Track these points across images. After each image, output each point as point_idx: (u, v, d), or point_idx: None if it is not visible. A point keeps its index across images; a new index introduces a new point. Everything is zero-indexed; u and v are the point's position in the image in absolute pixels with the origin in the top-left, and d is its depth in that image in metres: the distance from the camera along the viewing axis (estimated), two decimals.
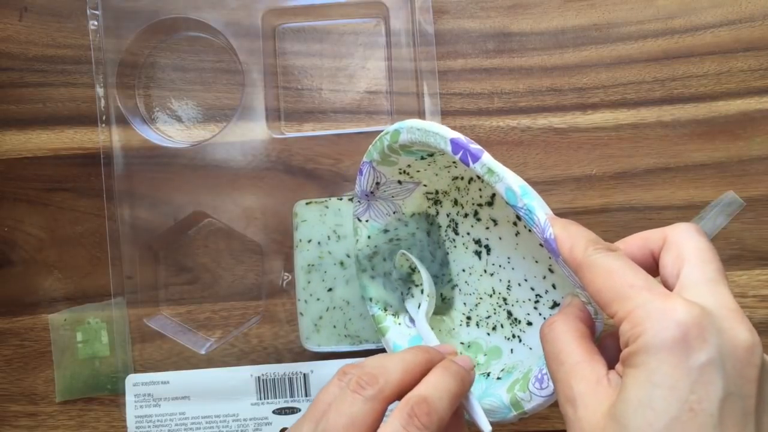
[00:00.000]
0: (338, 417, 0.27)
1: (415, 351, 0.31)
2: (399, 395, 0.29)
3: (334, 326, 0.43)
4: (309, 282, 0.43)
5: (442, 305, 0.41)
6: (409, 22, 0.45)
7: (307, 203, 0.43)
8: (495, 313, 0.38)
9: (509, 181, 0.30)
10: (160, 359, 0.45)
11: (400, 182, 0.38)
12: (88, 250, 0.46)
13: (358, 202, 0.39)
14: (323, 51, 0.47)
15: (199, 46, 0.47)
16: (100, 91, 0.45)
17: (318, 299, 0.43)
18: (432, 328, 0.37)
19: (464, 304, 0.40)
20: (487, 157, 0.30)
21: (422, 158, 0.37)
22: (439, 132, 0.32)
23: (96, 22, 0.45)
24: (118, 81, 0.45)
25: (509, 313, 0.38)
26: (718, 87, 0.45)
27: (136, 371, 0.45)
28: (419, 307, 0.38)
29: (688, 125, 0.45)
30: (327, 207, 0.43)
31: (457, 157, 0.31)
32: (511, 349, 0.37)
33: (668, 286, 0.26)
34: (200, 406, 0.44)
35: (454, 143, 0.31)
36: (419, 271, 0.38)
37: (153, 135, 0.46)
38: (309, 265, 0.43)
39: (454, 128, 0.46)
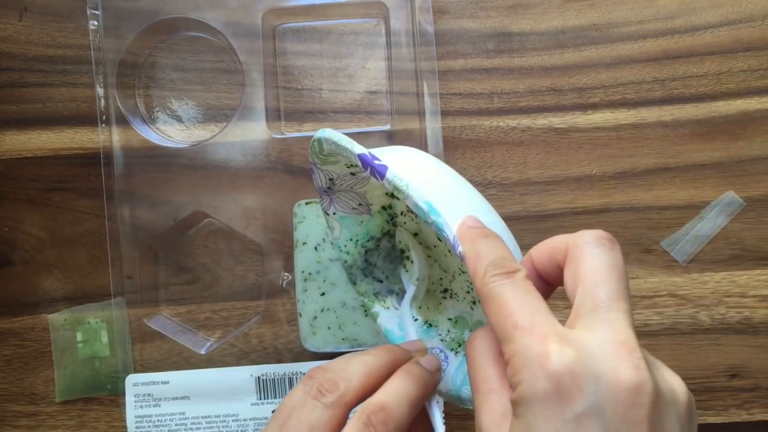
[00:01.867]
0: (298, 424, 0.27)
1: (379, 352, 0.30)
2: (362, 399, 0.28)
3: (329, 327, 0.43)
4: (305, 281, 0.43)
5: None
6: (409, 22, 0.45)
7: (306, 203, 0.43)
8: (472, 289, 0.38)
9: (415, 198, 0.29)
10: (160, 359, 0.45)
11: (353, 174, 0.37)
12: (88, 250, 0.46)
13: (321, 197, 0.39)
14: (323, 51, 0.47)
15: (199, 46, 0.47)
16: (100, 91, 0.45)
17: (315, 300, 0.43)
18: (420, 306, 0.37)
19: (441, 278, 0.40)
20: (391, 174, 0.30)
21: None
22: (347, 147, 0.31)
23: (96, 22, 0.45)
24: (118, 81, 0.45)
25: None
26: (718, 87, 0.45)
27: (136, 371, 0.45)
28: (407, 291, 0.38)
29: (688, 125, 0.45)
30: None
31: (367, 173, 0.31)
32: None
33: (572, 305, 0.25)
34: (200, 406, 0.44)
35: (362, 159, 0.31)
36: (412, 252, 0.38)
37: (153, 135, 0.46)
38: (308, 265, 0.43)
39: (454, 128, 0.46)
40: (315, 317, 0.43)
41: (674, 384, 0.24)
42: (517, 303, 0.24)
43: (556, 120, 0.46)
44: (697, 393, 0.45)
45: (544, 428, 0.22)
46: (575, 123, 0.45)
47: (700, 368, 0.45)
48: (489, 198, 0.45)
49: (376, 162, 0.30)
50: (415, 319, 0.40)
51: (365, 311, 0.41)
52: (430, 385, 0.30)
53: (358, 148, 0.31)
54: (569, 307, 0.25)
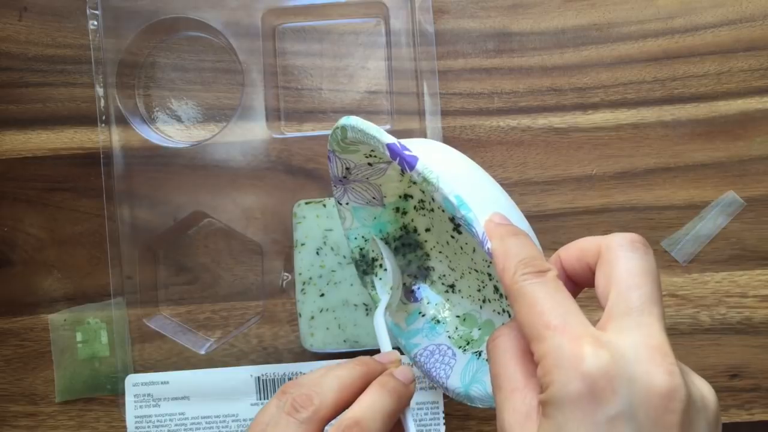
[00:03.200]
0: None
1: (352, 366, 0.30)
2: (336, 414, 0.28)
3: (328, 328, 0.43)
4: (304, 283, 0.43)
5: (419, 272, 0.41)
6: (409, 22, 0.45)
7: (306, 203, 0.43)
8: (484, 287, 0.38)
9: (445, 192, 0.29)
10: (160, 359, 0.45)
11: (370, 164, 0.37)
12: (88, 250, 0.46)
13: (335, 187, 0.39)
14: (323, 51, 0.47)
15: (199, 46, 0.47)
16: (100, 91, 0.45)
17: (313, 301, 0.43)
18: (434, 302, 0.37)
19: (445, 275, 0.40)
20: (421, 165, 0.29)
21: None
22: (376, 136, 0.31)
23: (96, 22, 0.45)
24: (118, 81, 0.45)
25: (495, 288, 0.38)
26: (718, 87, 0.45)
27: (135, 371, 0.45)
28: (382, 300, 0.38)
29: (688, 125, 0.45)
30: (325, 207, 0.43)
31: (395, 163, 0.31)
32: (503, 324, 0.37)
33: (603, 307, 0.25)
34: (200, 406, 0.44)
35: (391, 149, 0.30)
36: (385, 261, 0.38)
37: (153, 135, 0.46)
38: (307, 265, 0.43)
39: (454, 128, 0.46)
40: (312, 317, 0.43)
41: (705, 391, 0.24)
42: (549, 302, 0.24)
43: (557, 120, 0.46)
44: None
45: (576, 430, 0.22)
46: (575, 123, 0.45)
47: (700, 368, 0.45)
48: None
49: (407, 153, 0.30)
50: (422, 315, 0.40)
51: (367, 309, 0.41)
52: (405, 397, 0.30)
53: (387, 138, 0.31)
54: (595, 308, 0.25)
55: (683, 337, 0.45)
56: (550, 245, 0.45)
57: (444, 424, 0.44)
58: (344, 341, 0.43)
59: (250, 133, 0.45)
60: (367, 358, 0.32)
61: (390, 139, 0.30)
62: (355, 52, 0.47)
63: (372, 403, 0.28)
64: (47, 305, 0.46)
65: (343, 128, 0.33)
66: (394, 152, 0.30)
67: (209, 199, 0.45)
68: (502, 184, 0.46)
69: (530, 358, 0.25)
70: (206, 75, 0.47)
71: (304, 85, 0.47)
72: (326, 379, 0.29)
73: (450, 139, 0.46)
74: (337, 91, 0.46)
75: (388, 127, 0.45)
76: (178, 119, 0.47)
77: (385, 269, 0.39)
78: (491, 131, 0.46)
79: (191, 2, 0.45)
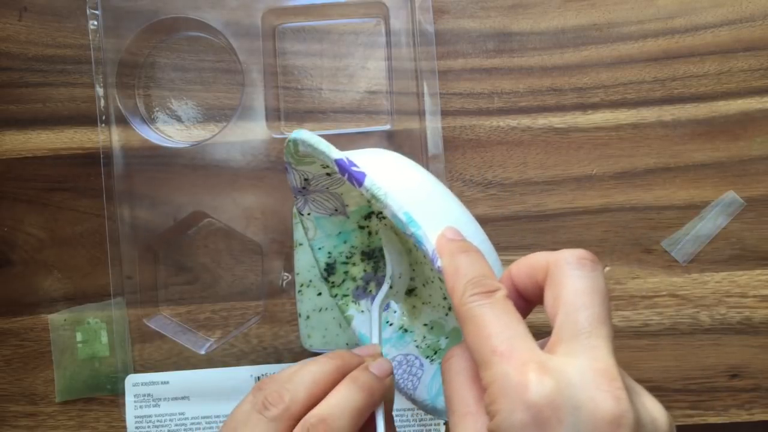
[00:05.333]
0: None
1: (326, 360, 0.29)
2: (308, 410, 0.28)
3: (326, 328, 0.43)
4: (302, 284, 0.43)
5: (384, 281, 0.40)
6: (409, 22, 0.45)
7: None
8: (448, 296, 0.38)
9: (393, 209, 0.28)
10: (160, 359, 0.45)
11: (328, 174, 0.36)
12: (88, 250, 0.46)
13: (295, 197, 0.38)
14: (323, 51, 0.47)
15: (199, 46, 0.47)
16: (99, 91, 0.45)
17: (311, 299, 0.43)
18: (396, 311, 0.36)
19: (411, 279, 0.40)
20: (369, 182, 0.29)
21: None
22: (324, 151, 0.30)
23: (96, 22, 0.45)
24: (118, 81, 0.45)
25: None
26: (718, 87, 0.45)
27: (135, 371, 0.45)
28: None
29: (688, 125, 0.45)
30: None
31: (345, 178, 0.30)
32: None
33: (552, 326, 0.25)
34: (200, 406, 0.44)
35: (339, 164, 0.30)
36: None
37: (153, 135, 0.46)
38: (305, 265, 0.43)
39: (454, 128, 0.46)
40: (308, 317, 0.43)
41: (655, 413, 0.23)
42: (496, 325, 0.24)
43: (557, 120, 0.46)
44: (697, 393, 0.45)
45: None
46: (575, 123, 0.45)
47: (700, 368, 0.45)
48: (489, 198, 0.46)
49: (354, 169, 0.29)
50: (390, 324, 0.39)
51: (341, 314, 0.40)
52: (378, 392, 0.29)
53: (335, 153, 0.30)
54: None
55: (683, 337, 0.45)
56: (550, 245, 0.45)
57: (444, 423, 0.44)
58: (347, 344, 0.43)
59: (250, 133, 0.45)
60: (343, 351, 0.31)
61: (338, 154, 0.30)
62: (355, 52, 0.47)
63: (340, 400, 0.28)
64: (47, 305, 0.46)
65: (294, 142, 0.33)
66: (342, 168, 0.30)
67: (209, 199, 0.45)
68: (502, 184, 0.46)
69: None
70: (206, 75, 0.47)
71: (304, 85, 0.47)
72: (299, 375, 0.28)
73: (450, 139, 0.46)
74: (337, 91, 0.46)
75: (388, 127, 0.45)
76: (178, 119, 0.47)
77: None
78: (491, 131, 0.46)
79: (191, 2, 0.45)
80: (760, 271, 0.45)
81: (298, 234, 0.43)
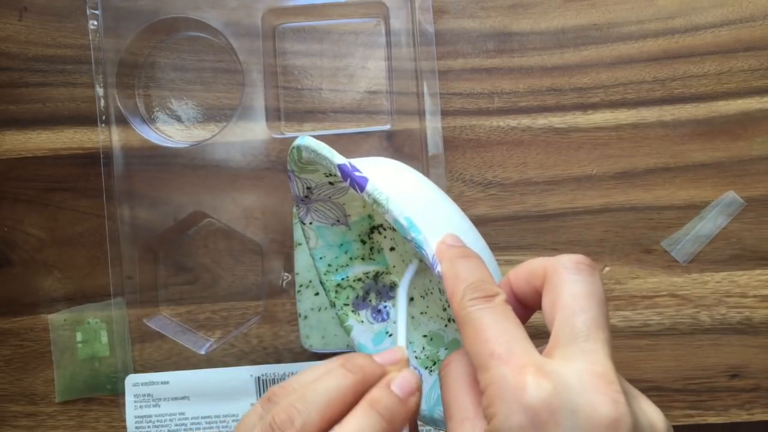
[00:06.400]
0: None
1: (344, 374, 0.26)
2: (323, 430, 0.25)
3: (326, 328, 0.43)
4: (301, 285, 0.43)
5: (384, 291, 0.40)
6: (409, 22, 0.45)
7: None
8: (448, 306, 0.38)
9: (395, 214, 0.28)
10: (160, 359, 0.45)
11: (331, 183, 0.37)
12: (88, 250, 0.46)
13: (297, 206, 0.38)
14: (323, 51, 0.47)
15: (199, 46, 0.47)
16: (99, 91, 0.45)
17: (309, 299, 0.43)
18: (395, 321, 0.36)
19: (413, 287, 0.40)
20: (371, 187, 0.29)
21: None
22: (327, 156, 0.30)
23: (96, 22, 0.45)
24: (117, 81, 0.45)
25: None
26: (718, 87, 0.45)
27: (135, 371, 0.45)
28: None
29: (688, 125, 0.45)
30: None
31: (347, 186, 0.30)
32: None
33: (550, 332, 0.24)
34: (200, 406, 0.44)
35: (341, 170, 0.30)
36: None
37: (153, 135, 0.46)
38: (304, 265, 0.43)
39: (454, 128, 0.46)
40: (306, 317, 0.43)
41: (653, 417, 0.23)
42: (495, 329, 0.24)
43: (557, 120, 0.46)
44: (697, 393, 0.45)
45: None
46: (575, 123, 0.45)
47: (700, 368, 0.45)
48: (489, 198, 0.46)
49: (357, 174, 0.29)
50: (389, 335, 0.39)
51: (340, 324, 0.40)
52: (399, 417, 0.26)
53: (338, 158, 0.30)
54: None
55: (683, 337, 0.45)
56: (550, 245, 0.45)
57: None
58: (348, 346, 0.43)
59: (250, 133, 0.45)
60: (364, 360, 0.27)
61: (341, 159, 0.30)
62: (355, 52, 0.47)
63: (357, 429, 0.25)
64: (47, 305, 0.46)
65: (298, 149, 0.33)
66: (345, 173, 0.30)
67: (209, 199, 0.45)
68: (502, 184, 0.46)
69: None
70: (206, 75, 0.47)
71: (304, 85, 0.47)
72: (313, 393, 0.25)
73: (450, 139, 0.46)
74: (337, 91, 0.46)
75: (388, 127, 0.45)
76: (178, 119, 0.47)
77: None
78: (491, 131, 0.46)
79: (191, 2, 0.45)
80: (760, 271, 0.45)
81: (298, 234, 0.43)
